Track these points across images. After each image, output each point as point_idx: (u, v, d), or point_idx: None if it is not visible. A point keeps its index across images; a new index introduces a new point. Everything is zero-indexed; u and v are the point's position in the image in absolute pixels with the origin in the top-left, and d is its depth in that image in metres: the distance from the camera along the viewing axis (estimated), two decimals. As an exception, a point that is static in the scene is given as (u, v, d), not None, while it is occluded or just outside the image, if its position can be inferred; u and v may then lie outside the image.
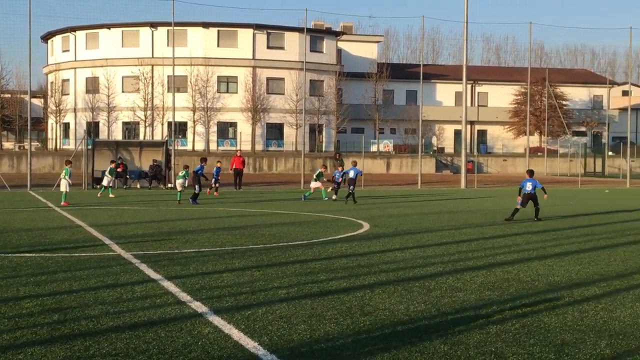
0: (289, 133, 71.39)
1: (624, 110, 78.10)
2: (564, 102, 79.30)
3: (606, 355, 7.05)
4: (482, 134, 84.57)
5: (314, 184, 31.20)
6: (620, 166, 62.08)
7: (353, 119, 74.46)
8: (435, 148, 77.53)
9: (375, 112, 75.21)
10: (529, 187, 21.89)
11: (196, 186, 27.73)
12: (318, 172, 31.69)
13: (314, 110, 68.98)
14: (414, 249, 14.67)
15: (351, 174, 28.79)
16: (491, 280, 11.04)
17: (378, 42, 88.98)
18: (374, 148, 72.73)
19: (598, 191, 40.95)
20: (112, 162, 34.51)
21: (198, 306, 8.98)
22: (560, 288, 10.50)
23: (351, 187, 28.21)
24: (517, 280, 11.12)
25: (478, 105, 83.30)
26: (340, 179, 30.15)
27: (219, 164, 34.97)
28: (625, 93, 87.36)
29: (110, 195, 31.66)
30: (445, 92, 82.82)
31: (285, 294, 9.85)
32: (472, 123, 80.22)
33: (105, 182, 32.63)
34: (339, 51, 78.39)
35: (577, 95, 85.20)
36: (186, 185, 29.48)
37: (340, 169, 30.85)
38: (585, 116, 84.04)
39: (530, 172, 23.08)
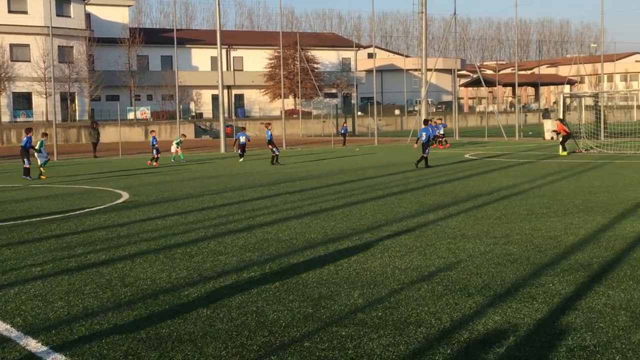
0: (38, 102, 67.47)
1: (369, 72, 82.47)
2: (315, 65, 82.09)
3: (359, 304, 7.49)
4: (240, 98, 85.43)
5: (174, 148, 34.96)
6: (369, 125, 65.72)
7: (107, 86, 71.92)
8: (193, 113, 77.19)
9: (130, 79, 73.19)
10: (424, 136, 25.66)
11: (25, 160, 25.30)
12: (178, 139, 35.44)
13: (64, 77, 65.65)
14: (175, 216, 14.59)
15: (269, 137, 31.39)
16: (252, 242, 11.28)
17: (129, 6, 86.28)
18: (130, 115, 70.95)
19: (349, 149, 43.09)
20: (44, 134, 28.60)
21: (-59, 292, 8.32)
22: (317, 244, 10.97)
23: (275, 149, 30.74)
24: (277, 239, 11.46)
25: (234, 70, 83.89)
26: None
27: (153, 134, 34.33)
28: (370, 56, 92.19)
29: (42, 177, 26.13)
30: (200, 57, 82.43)
31: (39, 271, 9.40)
32: (229, 87, 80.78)
33: (41, 161, 26.84)
34: (88, 15, 75.12)
35: (327, 58, 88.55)
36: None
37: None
38: (336, 78, 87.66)
39: (425, 122, 26.95)
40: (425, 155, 25.81)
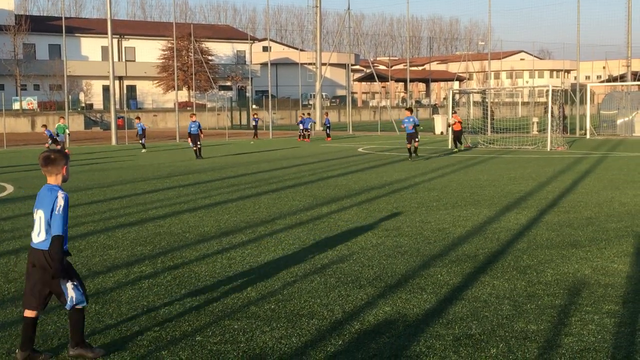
0: None
1: (264, 65, 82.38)
2: (209, 58, 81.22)
3: (252, 297, 7.49)
4: (132, 89, 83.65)
5: (61, 138, 34.06)
6: (264, 118, 65.62)
7: (-10, 74, 69.13)
8: (83, 104, 75.06)
9: (15, 68, 70.47)
10: (410, 127, 25.05)
11: None
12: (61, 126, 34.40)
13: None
14: (62, 210, 14.13)
15: (193, 129, 29.70)
16: (143, 236, 11.09)
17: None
18: (16, 105, 68.31)
19: (244, 143, 42.91)
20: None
21: None
22: (210, 238, 10.89)
23: (198, 142, 29.47)
24: (169, 233, 11.30)
25: (126, 61, 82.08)
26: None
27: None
28: (265, 49, 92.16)
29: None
30: (91, 47, 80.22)
31: None
32: (120, 78, 78.92)
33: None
34: (-30, 1, 71.84)
35: (221, 50, 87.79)
36: None
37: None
38: (230, 71, 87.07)
39: (410, 110, 26.38)
40: (410, 146, 25.84)
